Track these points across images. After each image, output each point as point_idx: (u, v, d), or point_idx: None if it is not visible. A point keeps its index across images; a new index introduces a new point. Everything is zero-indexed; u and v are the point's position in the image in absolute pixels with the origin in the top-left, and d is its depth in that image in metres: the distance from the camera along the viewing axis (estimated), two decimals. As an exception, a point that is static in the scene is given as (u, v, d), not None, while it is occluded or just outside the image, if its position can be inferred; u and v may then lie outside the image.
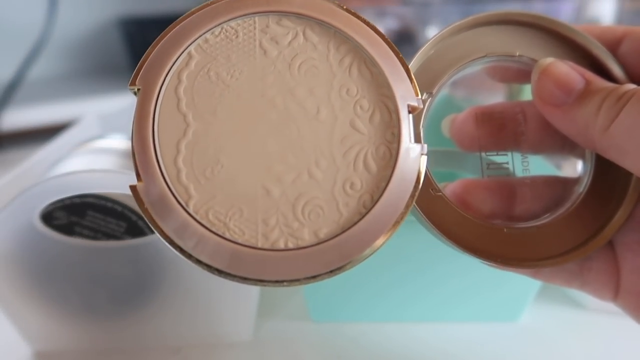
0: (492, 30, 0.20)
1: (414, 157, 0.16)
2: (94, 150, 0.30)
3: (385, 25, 0.63)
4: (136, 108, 0.16)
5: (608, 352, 0.28)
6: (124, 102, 0.44)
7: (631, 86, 0.17)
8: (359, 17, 0.17)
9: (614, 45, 0.19)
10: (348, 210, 0.16)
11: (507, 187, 0.21)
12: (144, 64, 0.16)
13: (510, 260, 0.18)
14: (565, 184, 0.21)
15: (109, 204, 0.24)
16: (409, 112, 0.16)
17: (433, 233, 0.19)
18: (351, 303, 0.30)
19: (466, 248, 0.18)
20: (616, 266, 0.19)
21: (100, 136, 0.32)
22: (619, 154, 0.16)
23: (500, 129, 0.21)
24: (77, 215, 0.24)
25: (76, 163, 0.29)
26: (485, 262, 0.18)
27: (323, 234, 0.15)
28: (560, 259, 0.18)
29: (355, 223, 0.15)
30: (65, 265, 0.25)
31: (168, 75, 0.16)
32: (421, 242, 0.27)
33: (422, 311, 0.30)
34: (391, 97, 0.16)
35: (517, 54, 0.19)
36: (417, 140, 0.16)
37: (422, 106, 0.17)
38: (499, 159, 0.21)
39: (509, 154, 0.21)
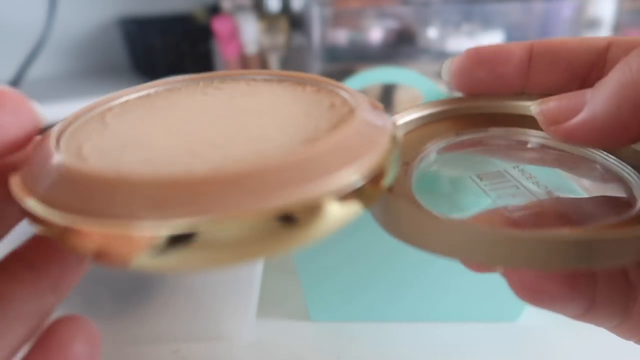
0: (459, 111, 0.19)
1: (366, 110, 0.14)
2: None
3: (385, 25, 0.63)
4: None
5: (608, 352, 0.28)
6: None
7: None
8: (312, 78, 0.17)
9: (599, 54, 0.17)
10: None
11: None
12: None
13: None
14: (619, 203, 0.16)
15: (109, 204, 0.24)
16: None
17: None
18: (350, 303, 0.30)
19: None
20: None
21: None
22: None
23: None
24: (77, 215, 0.24)
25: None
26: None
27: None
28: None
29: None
30: (65, 265, 0.25)
31: (95, 110, 0.16)
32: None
33: (422, 310, 0.30)
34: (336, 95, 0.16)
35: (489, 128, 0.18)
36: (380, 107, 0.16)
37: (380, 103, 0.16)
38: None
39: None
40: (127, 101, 0.17)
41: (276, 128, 0.14)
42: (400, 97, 0.59)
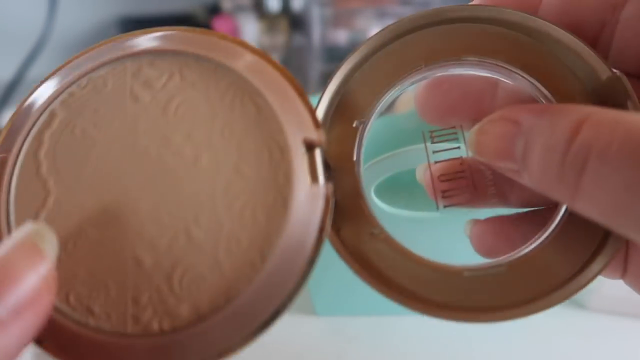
0: (429, 33, 0.16)
1: (314, 199, 0.13)
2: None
3: (385, 25, 0.63)
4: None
5: (605, 341, 0.28)
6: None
7: (584, 110, 0.12)
8: (244, 45, 0.15)
9: (613, 9, 0.15)
10: (234, 274, 0.13)
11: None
12: (7, 130, 0.14)
13: (471, 312, 0.14)
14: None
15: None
16: (307, 148, 0.14)
17: (371, 287, 0.15)
18: (355, 297, 0.30)
19: (413, 303, 0.15)
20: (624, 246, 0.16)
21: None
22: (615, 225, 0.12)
23: (466, 187, 0.17)
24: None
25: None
26: (439, 318, 0.14)
27: (205, 308, 0.13)
28: (539, 303, 0.15)
29: (242, 291, 0.13)
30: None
31: (27, 139, 0.14)
32: (422, 236, 0.27)
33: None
34: (281, 132, 0.13)
35: (462, 57, 0.15)
36: (319, 180, 0.14)
37: (322, 139, 0.14)
38: (447, 145, 0.17)
39: (459, 135, 0.17)
40: (52, 114, 0.15)
41: (205, 211, 0.13)
42: (399, 96, 0.59)
